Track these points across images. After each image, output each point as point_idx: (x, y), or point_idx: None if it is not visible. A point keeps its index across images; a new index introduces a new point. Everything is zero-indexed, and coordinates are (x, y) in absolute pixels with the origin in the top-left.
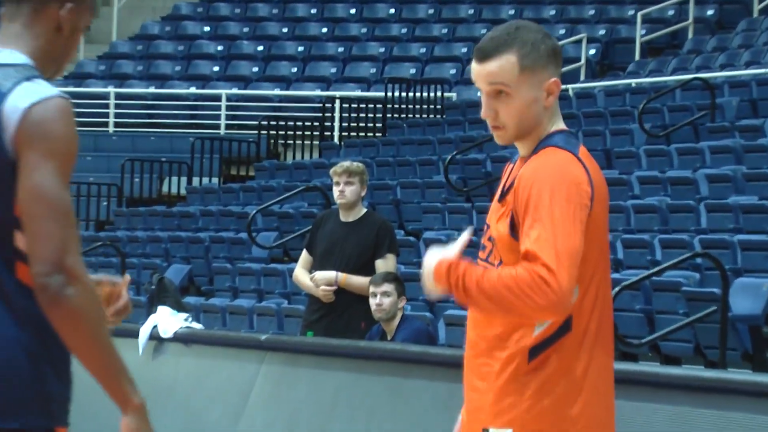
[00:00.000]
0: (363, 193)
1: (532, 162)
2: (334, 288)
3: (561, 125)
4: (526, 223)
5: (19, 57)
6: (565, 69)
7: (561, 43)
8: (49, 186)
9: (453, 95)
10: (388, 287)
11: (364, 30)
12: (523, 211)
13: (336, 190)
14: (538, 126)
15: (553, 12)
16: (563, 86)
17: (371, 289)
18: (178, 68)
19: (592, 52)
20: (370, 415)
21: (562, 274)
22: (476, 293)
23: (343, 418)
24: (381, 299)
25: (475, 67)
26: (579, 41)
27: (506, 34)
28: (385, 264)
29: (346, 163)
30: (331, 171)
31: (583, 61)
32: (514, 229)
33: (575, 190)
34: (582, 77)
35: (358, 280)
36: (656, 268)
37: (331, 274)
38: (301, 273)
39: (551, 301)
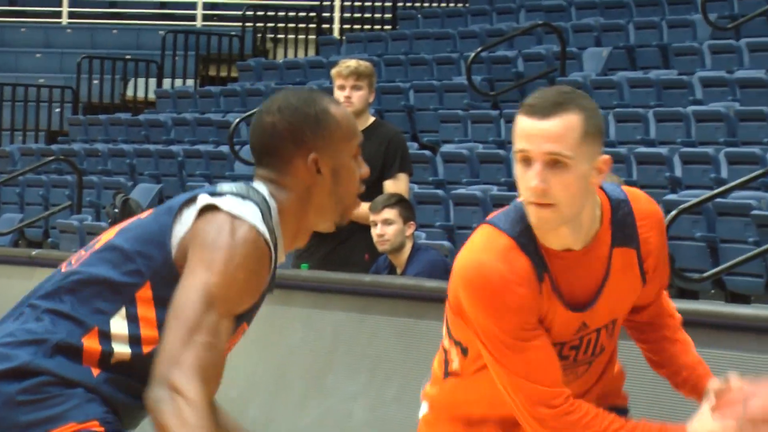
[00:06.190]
0: (371, 99)
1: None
2: None
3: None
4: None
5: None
6: None
7: None
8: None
9: None
10: (389, 213)
11: None
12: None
13: (340, 95)
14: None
15: None
16: None
17: (371, 216)
18: None
19: None
20: (376, 362)
21: None
22: None
23: (344, 365)
24: (382, 228)
25: (529, 123)
26: None
27: (564, 93)
28: (395, 185)
29: (353, 63)
30: (334, 72)
31: None
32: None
33: None
34: None
35: (360, 205)
36: (721, 188)
37: None
38: None
39: None
